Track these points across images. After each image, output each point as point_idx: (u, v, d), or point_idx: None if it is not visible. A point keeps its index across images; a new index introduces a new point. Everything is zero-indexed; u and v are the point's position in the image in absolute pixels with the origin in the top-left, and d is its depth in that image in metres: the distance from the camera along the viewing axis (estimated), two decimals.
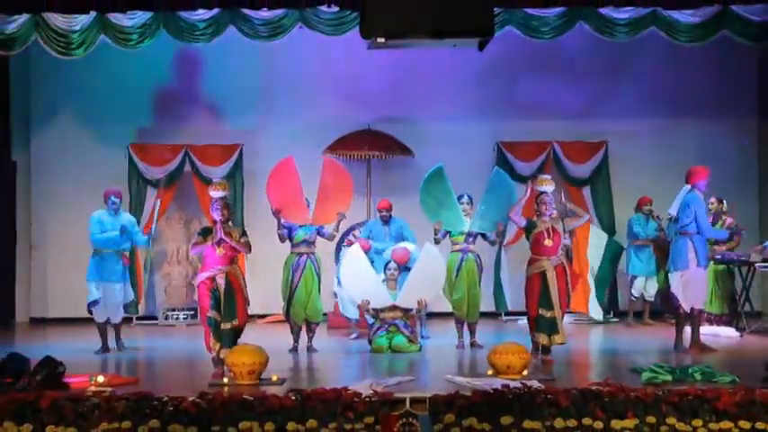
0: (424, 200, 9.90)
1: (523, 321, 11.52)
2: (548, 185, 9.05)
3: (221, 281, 8.30)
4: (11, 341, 10.93)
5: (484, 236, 9.96)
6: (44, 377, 7.11)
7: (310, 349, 9.65)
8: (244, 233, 8.57)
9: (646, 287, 11.86)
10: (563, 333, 8.82)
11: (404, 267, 10.00)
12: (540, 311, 8.79)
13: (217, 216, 8.39)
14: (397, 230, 10.70)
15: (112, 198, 10.02)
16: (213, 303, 8.30)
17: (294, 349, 9.62)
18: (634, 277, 11.89)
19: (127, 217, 10.29)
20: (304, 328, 9.80)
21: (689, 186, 9.49)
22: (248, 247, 8.58)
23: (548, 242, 8.86)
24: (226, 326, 8.28)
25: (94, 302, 9.85)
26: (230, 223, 8.54)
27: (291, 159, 9.88)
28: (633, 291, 11.91)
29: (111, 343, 9.94)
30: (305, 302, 9.60)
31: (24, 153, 12.96)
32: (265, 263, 12.12)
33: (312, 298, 9.63)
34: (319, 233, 9.79)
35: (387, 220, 10.70)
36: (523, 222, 9.02)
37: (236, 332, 8.35)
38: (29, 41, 10.57)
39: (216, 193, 8.54)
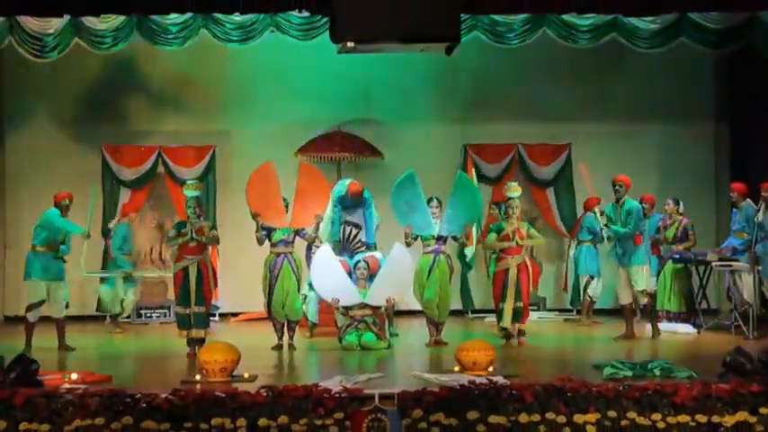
0: (395, 203, 9.93)
1: (489, 319, 11.66)
2: (515, 192, 9.93)
3: (193, 269, 9.21)
4: None
5: (455, 238, 10.03)
6: (18, 375, 7.02)
7: (291, 346, 9.63)
8: (213, 227, 9.56)
9: (595, 287, 11.86)
10: (520, 321, 9.80)
11: (370, 275, 9.98)
12: (505, 303, 9.65)
13: (190, 213, 9.28)
14: (367, 202, 10.73)
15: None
16: (181, 296, 9.24)
17: (279, 346, 9.60)
18: (591, 277, 11.86)
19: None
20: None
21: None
22: (216, 240, 9.61)
23: (512, 243, 9.62)
24: (196, 309, 9.22)
25: (41, 302, 9.77)
26: (201, 218, 9.40)
27: (270, 164, 9.84)
28: (588, 290, 11.88)
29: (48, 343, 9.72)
30: (283, 301, 9.56)
31: None
32: (237, 262, 12.12)
33: (290, 297, 9.58)
34: (299, 234, 9.77)
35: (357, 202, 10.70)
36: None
37: (207, 314, 9.33)
38: (3, 44, 10.47)
39: (190, 193, 9.40)
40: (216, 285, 9.80)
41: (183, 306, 9.25)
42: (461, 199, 9.95)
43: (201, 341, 9.16)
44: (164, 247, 12.62)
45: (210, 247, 9.57)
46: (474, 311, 12.71)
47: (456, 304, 11.99)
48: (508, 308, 9.67)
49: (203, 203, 9.72)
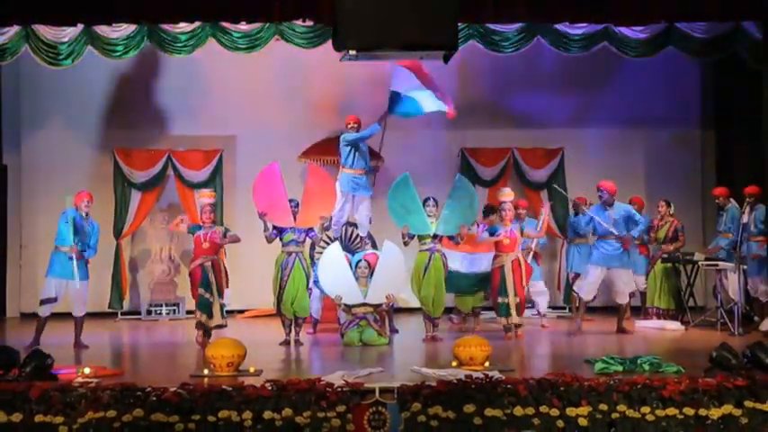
0: (391, 206, 9.93)
1: (484, 316, 11.66)
2: (507, 197, 10.23)
3: (209, 266, 9.50)
4: (2, 335, 10.82)
5: (450, 237, 10.02)
6: (33, 369, 7.01)
7: (297, 342, 9.62)
8: (227, 230, 9.85)
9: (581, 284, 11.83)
10: (518, 314, 9.92)
11: (371, 272, 9.97)
12: (499, 298, 9.92)
13: (206, 219, 9.58)
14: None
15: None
16: (204, 283, 9.43)
17: (286, 342, 9.58)
18: (577, 275, 11.86)
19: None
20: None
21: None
22: (237, 239, 9.85)
23: (506, 242, 9.93)
24: (211, 299, 9.46)
25: (52, 299, 9.67)
26: (215, 223, 9.78)
27: (276, 165, 9.84)
28: (575, 287, 11.86)
29: (54, 340, 9.57)
30: (293, 298, 9.56)
31: (15, 157, 12.82)
32: (244, 262, 12.11)
33: (299, 295, 9.57)
34: (308, 235, 9.77)
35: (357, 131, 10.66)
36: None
37: (219, 306, 9.50)
38: (19, 52, 10.47)
39: (206, 200, 9.75)
40: (227, 285, 9.90)
41: (207, 291, 9.45)
42: (459, 201, 9.97)
43: (218, 327, 9.45)
44: (173, 247, 12.64)
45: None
46: None
47: (452, 302, 11.99)
48: (512, 302, 9.84)
49: (215, 209, 10.05)
